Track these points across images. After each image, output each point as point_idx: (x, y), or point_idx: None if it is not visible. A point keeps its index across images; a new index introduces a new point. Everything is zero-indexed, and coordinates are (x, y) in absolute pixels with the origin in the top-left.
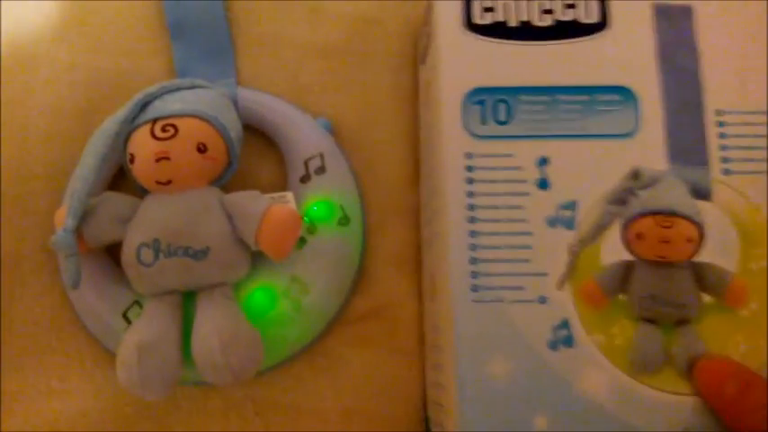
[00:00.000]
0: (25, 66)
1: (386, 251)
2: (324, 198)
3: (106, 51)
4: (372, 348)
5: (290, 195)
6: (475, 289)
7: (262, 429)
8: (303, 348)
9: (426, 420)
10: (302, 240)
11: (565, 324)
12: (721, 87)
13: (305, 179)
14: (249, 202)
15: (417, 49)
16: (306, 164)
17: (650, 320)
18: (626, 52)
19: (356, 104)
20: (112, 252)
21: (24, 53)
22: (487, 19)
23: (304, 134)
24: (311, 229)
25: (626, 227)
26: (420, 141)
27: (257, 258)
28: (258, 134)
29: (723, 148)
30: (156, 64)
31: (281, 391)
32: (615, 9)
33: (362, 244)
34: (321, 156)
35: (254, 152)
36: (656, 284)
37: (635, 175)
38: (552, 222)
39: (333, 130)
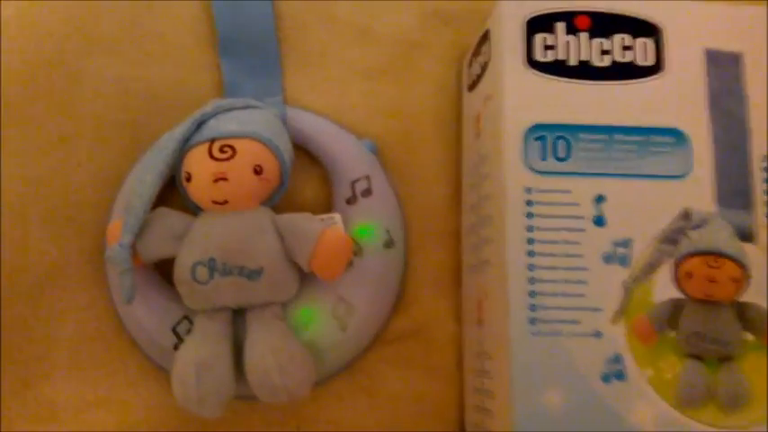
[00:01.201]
0: (73, 76)
1: (425, 272)
2: (371, 221)
3: (155, 64)
4: (411, 367)
5: (338, 217)
6: (533, 321)
7: None
8: (344, 366)
9: None
10: (349, 262)
11: (617, 358)
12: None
13: (351, 201)
14: (303, 224)
15: (464, 75)
16: (353, 186)
17: (696, 356)
18: (679, 95)
19: (399, 127)
20: (159, 267)
21: (72, 63)
22: (548, 57)
23: (351, 156)
24: (357, 251)
25: (676, 266)
26: (463, 166)
27: (304, 278)
28: (302, 152)
29: (767, 192)
30: (205, 78)
31: (321, 407)
32: (669, 53)
33: (404, 265)
34: (368, 178)
35: (297, 171)
36: (703, 322)
37: (685, 215)
38: (607, 259)
39: (376, 152)
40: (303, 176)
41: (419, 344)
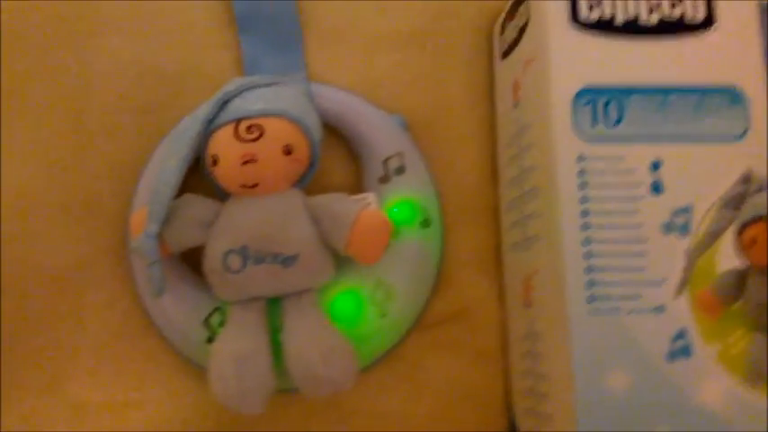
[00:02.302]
0: (84, 59)
1: (463, 252)
2: (405, 199)
3: (171, 45)
4: (453, 352)
5: (372, 197)
6: (591, 300)
7: None
8: (385, 353)
9: (513, 426)
10: None
11: (682, 334)
12: None
13: (384, 179)
14: (338, 206)
15: (495, 42)
16: (385, 164)
17: (765, 328)
18: (733, 51)
19: (429, 99)
20: (186, 256)
21: (83, 45)
22: (594, 15)
23: (382, 133)
24: (393, 233)
25: (740, 232)
26: (498, 138)
27: (338, 261)
28: (327, 131)
29: None
30: (223, 58)
31: (362, 396)
32: (721, 7)
33: (441, 245)
34: (400, 155)
35: (324, 150)
36: None
37: (746, 179)
38: (667, 228)
39: (407, 127)
40: (330, 156)
41: (461, 327)
